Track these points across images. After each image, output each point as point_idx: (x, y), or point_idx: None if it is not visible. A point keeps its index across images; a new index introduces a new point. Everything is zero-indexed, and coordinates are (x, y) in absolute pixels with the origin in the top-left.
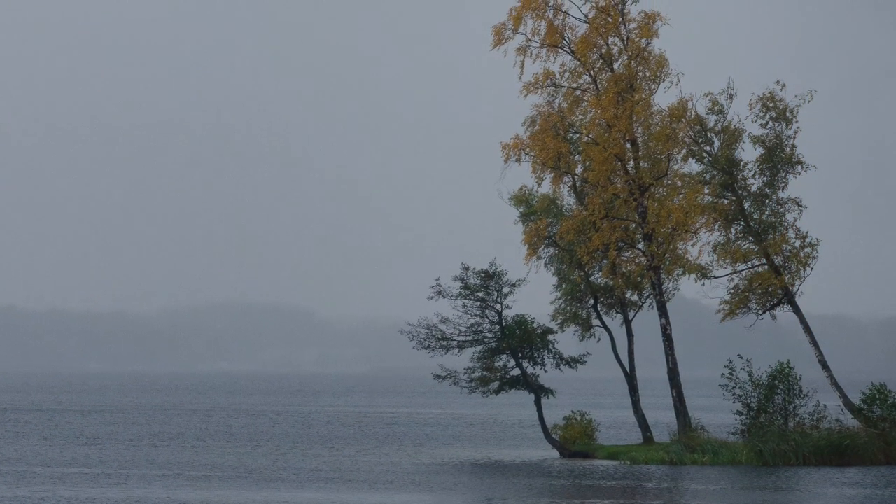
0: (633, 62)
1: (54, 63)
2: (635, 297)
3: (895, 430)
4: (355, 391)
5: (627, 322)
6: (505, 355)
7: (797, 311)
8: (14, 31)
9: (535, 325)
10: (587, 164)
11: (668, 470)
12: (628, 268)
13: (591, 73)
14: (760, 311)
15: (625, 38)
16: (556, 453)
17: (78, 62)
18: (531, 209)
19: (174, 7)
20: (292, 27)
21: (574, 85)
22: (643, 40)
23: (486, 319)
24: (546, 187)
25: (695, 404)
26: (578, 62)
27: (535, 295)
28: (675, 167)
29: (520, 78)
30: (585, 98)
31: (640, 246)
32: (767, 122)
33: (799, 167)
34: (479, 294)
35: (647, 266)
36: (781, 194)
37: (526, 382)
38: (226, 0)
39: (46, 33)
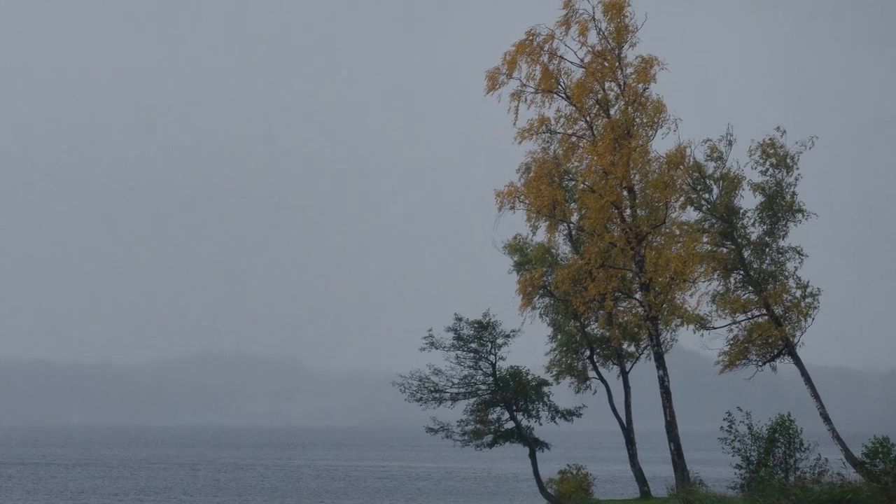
0: (630, 108)
1: (44, 117)
2: (632, 349)
3: None
4: (345, 444)
5: (624, 374)
6: (499, 408)
7: (798, 362)
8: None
9: (529, 377)
10: (583, 212)
11: None
12: (625, 318)
13: (587, 118)
14: (760, 363)
15: (622, 83)
16: None
17: (67, 117)
18: (526, 258)
19: (161, 62)
20: (280, 80)
21: (569, 131)
22: (640, 85)
23: (480, 371)
24: (541, 236)
25: (693, 458)
26: (574, 108)
27: (530, 346)
28: (674, 215)
29: (514, 124)
30: (581, 144)
31: (638, 296)
32: (767, 169)
33: (800, 215)
34: (473, 345)
35: (644, 316)
36: (782, 243)
37: (520, 435)
38: (215, 54)
39: (31, 86)
